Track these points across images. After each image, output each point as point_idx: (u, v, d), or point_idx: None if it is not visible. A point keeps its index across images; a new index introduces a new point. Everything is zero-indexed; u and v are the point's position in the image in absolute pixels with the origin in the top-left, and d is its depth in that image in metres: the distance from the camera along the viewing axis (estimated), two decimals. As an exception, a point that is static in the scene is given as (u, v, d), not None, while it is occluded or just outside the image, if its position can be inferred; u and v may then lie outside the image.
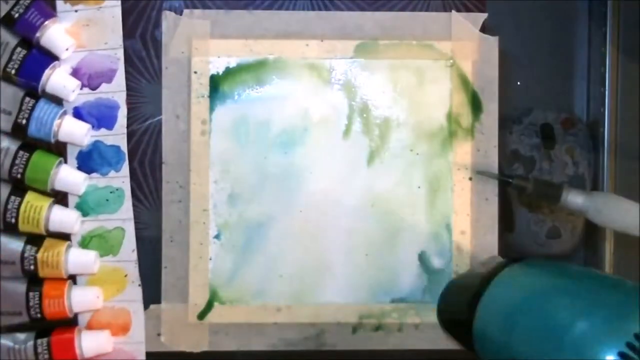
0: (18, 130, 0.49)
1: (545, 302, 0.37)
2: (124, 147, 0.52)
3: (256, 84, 0.52)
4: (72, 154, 0.52)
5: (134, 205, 0.52)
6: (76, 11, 0.51)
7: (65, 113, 0.51)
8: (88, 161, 0.52)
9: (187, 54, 0.52)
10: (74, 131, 0.50)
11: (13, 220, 0.49)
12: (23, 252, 0.49)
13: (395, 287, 0.53)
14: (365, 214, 0.53)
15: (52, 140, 0.50)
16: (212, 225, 0.52)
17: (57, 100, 0.51)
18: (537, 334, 0.36)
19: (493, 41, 0.53)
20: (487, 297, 0.41)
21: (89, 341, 0.51)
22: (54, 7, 0.51)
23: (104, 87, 0.52)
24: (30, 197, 0.50)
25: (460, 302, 0.46)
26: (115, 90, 0.52)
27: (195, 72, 0.52)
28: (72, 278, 0.52)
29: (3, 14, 0.49)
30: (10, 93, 0.49)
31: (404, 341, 0.53)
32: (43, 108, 0.50)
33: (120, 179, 0.52)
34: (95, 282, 0.52)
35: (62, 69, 0.51)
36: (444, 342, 0.53)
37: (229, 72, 0.52)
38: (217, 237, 0.52)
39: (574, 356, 0.32)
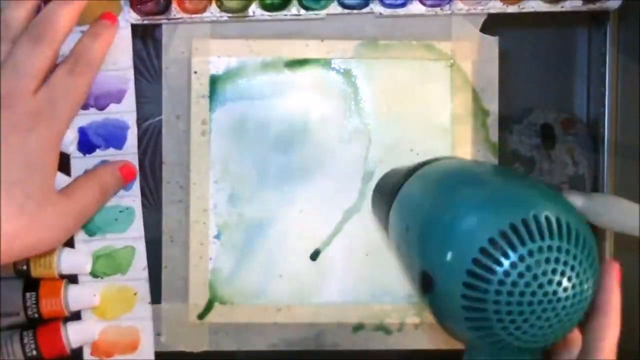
0: None
1: (441, 191, 0.36)
2: (136, 167, 0.51)
3: (256, 84, 0.52)
4: (77, 174, 0.51)
5: (133, 205, 0.52)
6: (82, 32, 0.51)
7: None
8: None
9: (187, 54, 0.52)
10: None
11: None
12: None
13: (395, 287, 0.53)
14: (365, 214, 0.53)
15: None
16: (212, 225, 0.52)
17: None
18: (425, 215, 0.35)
19: (493, 41, 0.53)
20: (403, 189, 0.40)
21: (75, 330, 0.51)
22: None
23: (112, 107, 0.51)
24: None
25: (384, 194, 0.44)
26: (125, 111, 0.51)
27: (195, 72, 0.52)
28: (70, 278, 0.52)
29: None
30: None
31: (404, 341, 0.53)
32: None
33: (131, 197, 0.52)
34: (102, 302, 0.52)
35: None
36: (444, 342, 0.53)
37: (229, 72, 0.52)
38: (217, 237, 0.52)
39: (449, 241, 0.31)
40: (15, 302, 0.49)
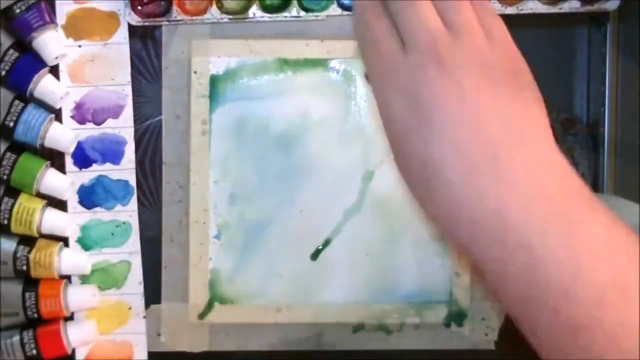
0: (4, 132, 0.49)
1: None
2: (133, 182, 0.52)
3: (256, 84, 0.52)
4: (72, 188, 0.51)
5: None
6: (80, 46, 0.51)
7: (53, 119, 0.51)
8: (90, 195, 0.52)
9: (187, 54, 0.52)
10: (60, 138, 0.50)
11: (5, 222, 0.49)
12: (15, 252, 0.49)
13: (395, 287, 0.53)
14: (365, 214, 0.53)
15: (38, 145, 0.50)
16: (212, 225, 0.52)
17: (45, 107, 0.50)
18: None
19: (493, 41, 0.52)
20: None
21: (75, 331, 0.51)
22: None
23: (110, 122, 0.51)
24: (23, 199, 0.50)
25: None
26: (123, 126, 0.51)
27: (195, 72, 0.52)
28: (69, 279, 0.52)
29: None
30: (0, 96, 0.49)
31: (404, 341, 0.53)
32: (32, 112, 0.50)
33: (128, 212, 0.52)
34: (95, 315, 0.52)
35: (51, 75, 0.50)
36: (444, 342, 0.53)
37: (229, 72, 0.52)
38: (217, 237, 0.52)
39: None
40: (15, 302, 0.49)
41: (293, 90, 0.52)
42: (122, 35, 0.51)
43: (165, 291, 0.52)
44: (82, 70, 0.51)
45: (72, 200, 0.51)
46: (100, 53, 0.51)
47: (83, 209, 0.52)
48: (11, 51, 0.49)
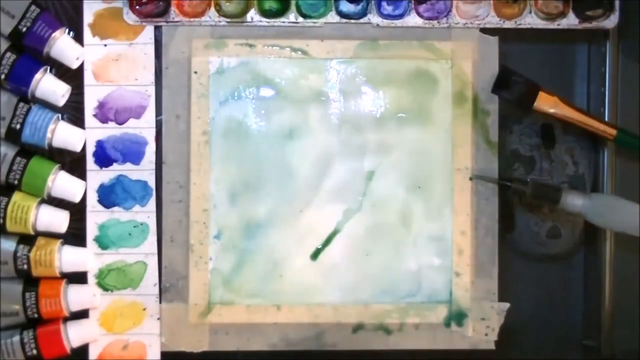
0: (12, 135, 0.49)
1: None
2: (152, 183, 0.52)
3: (256, 83, 0.52)
4: (92, 186, 0.51)
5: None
6: (105, 45, 0.51)
7: (59, 118, 0.51)
8: (109, 195, 0.52)
9: (187, 54, 0.52)
10: (68, 137, 0.50)
11: (1, 221, 0.49)
12: (16, 251, 0.49)
13: (395, 287, 0.53)
14: (365, 214, 0.53)
15: (46, 146, 0.50)
16: (212, 225, 0.52)
17: (50, 106, 0.51)
18: None
19: (493, 41, 0.53)
20: None
21: (75, 330, 0.51)
22: (80, 39, 0.51)
23: (131, 122, 0.51)
24: (17, 197, 0.50)
25: None
26: (144, 127, 0.51)
27: (195, 72, 0.52)
28: (70, 278, 0.52)
29: (10, 28, 0.49)
30: (4, 99, 0.49)
31: (404, 341, 0.53)
32: (37, 113, 0.50)
33: (146, 213, 0.52)
34: (109, 315, 0.52)
35: (51, 74, 0.50)
36: (444, 342, 0.53)
37: (229, 72, 0.52)
38: (217, 237, 0.52)
39: None
40: (15, 302, 0.49)
41: (293, 90, 0.52)
42: (147, 35, 0.51)
43: (165, 291, 0.52)
44: (106, 70, 0.51)
45: (92, 198, 0.51)
46: (126, 53, 0.51)
47: (102, 207, 0.52)
48: (8, 54, 0.49)
